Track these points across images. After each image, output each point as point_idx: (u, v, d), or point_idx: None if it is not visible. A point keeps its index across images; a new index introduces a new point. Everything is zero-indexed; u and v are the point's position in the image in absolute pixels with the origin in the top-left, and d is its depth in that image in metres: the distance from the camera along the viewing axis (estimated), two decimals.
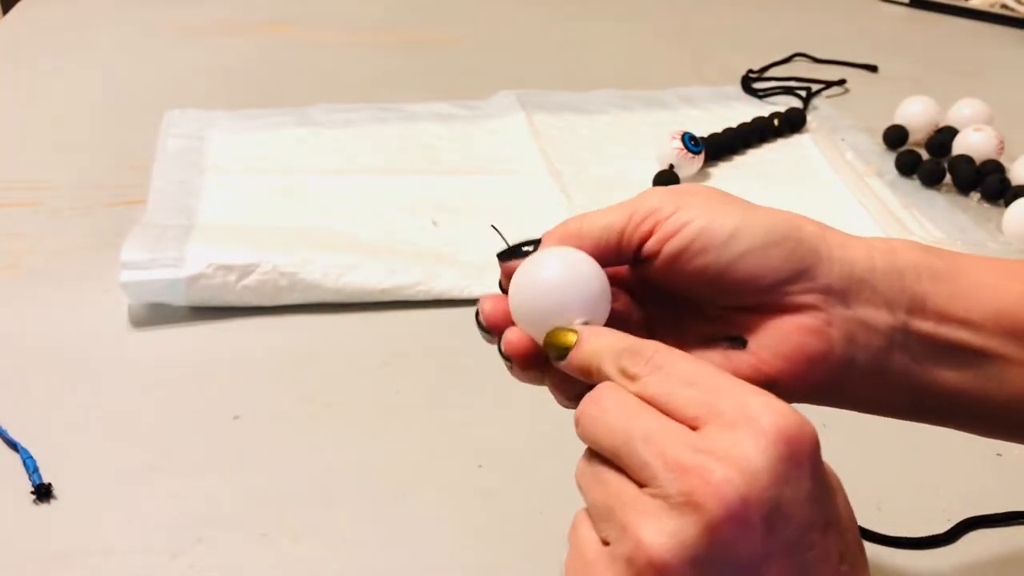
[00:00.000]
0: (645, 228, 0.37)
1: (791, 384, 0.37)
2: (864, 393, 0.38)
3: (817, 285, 0.36)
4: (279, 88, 1.00)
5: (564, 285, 0.35)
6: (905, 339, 0.37)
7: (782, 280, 0.36)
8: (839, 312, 0.36)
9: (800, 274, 0.36)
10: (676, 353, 0.32)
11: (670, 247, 0.36)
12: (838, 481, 0.31)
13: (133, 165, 0.82)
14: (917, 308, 0.37)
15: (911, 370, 0.37)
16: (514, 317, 0.36)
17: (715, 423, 0.29)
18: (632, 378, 0.32)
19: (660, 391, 0.31)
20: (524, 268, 0.36)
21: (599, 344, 0.33)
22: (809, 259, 0.36)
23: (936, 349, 0.37)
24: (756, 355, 0.37)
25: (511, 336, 0.37)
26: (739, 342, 0.38)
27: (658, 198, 0.37)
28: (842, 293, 0.36)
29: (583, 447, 0.33)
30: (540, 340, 0.35)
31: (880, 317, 0.36)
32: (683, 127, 0.83)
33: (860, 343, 0.37)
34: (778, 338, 0.37)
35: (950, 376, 0.37)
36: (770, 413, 0.29)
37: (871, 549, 0.49)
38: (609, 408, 0.31)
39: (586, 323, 0.35)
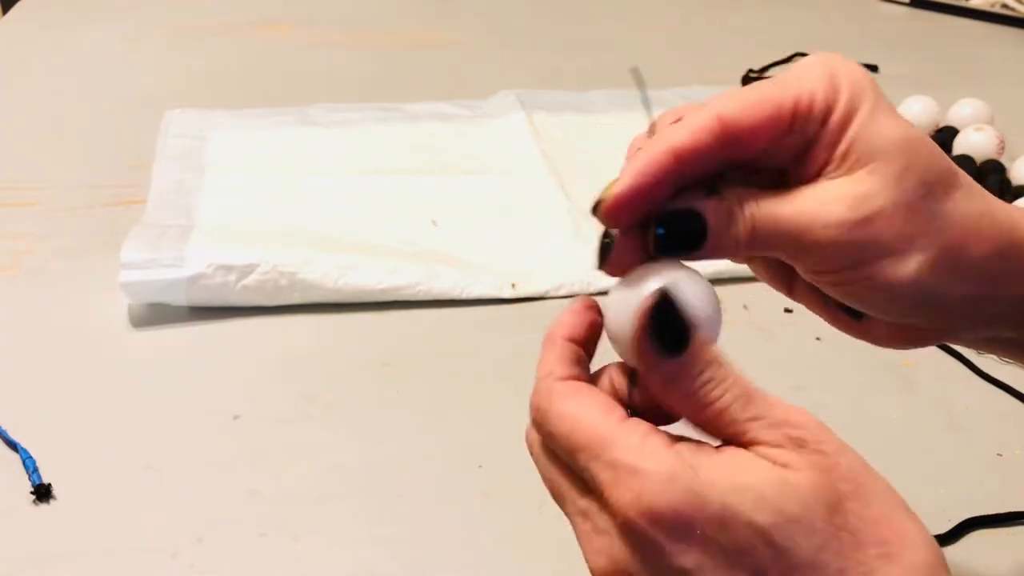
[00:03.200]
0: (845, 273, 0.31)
1: None
2: None
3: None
4: (279, 88, 1.00)
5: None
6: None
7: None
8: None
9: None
10: (555, 409, 0.30)
11: (869, 297, 0.32)
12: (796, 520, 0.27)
13: (133, 165, 0.82)
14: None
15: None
16: (608, 334, 0.33)
17: (599, 495, 0.29)
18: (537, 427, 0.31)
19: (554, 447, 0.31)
20: (619, 292, 0.32)
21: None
22: (998, 300, 0.33)
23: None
24: (867, 330, 0.35)
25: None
26: (856, 316, 0.35)
27: (891, 224, 0.30)
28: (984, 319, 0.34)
29: None
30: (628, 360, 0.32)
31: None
32: None
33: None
34: (894, 331, 0.35)
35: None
36: (633, 492, 0.27)
37: None
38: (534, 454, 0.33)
39: None
